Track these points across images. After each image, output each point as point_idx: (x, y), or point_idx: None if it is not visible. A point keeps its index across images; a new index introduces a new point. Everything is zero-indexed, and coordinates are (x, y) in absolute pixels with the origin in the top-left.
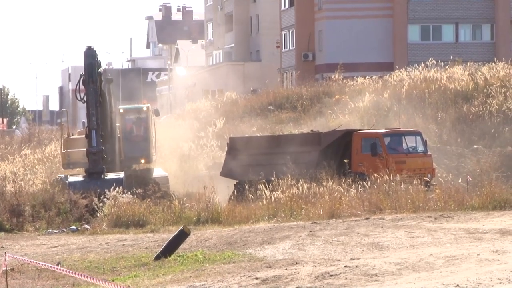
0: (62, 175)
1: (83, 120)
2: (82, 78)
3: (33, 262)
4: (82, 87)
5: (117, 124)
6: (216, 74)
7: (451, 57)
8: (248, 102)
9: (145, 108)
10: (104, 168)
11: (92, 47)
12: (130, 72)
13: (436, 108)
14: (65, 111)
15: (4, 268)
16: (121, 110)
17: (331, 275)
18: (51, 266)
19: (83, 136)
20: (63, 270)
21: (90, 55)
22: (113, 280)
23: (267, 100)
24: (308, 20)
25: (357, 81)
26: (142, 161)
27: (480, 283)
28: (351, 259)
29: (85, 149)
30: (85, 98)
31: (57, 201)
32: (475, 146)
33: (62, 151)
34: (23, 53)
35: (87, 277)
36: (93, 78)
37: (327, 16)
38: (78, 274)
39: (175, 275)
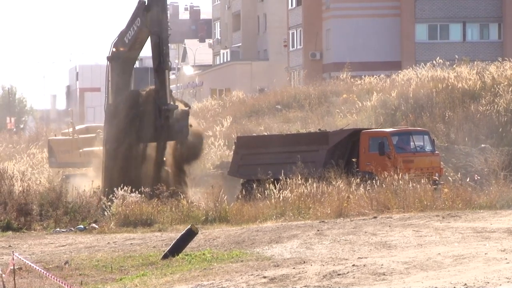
0: (68, 174)
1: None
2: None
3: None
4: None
5: None
6: (223, 73)
7: (458, 56)
8: (256, 101)
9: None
10: None
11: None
12: (137, 71)
13: (443, 107)
14: (71, 111)
15: (12, 267)
16: None
17: (339, 274)
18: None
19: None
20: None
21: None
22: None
23: (274, 99)
24: (316, 19)
25: (364, 80)
26: None
27: (488, 282)
28: (359, 258)
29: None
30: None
31: (65, 200)
32: (482, 145)
33: (80, 150)
34: (31, 52)
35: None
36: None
37: (334, 15)
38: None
39: (183, 274)
